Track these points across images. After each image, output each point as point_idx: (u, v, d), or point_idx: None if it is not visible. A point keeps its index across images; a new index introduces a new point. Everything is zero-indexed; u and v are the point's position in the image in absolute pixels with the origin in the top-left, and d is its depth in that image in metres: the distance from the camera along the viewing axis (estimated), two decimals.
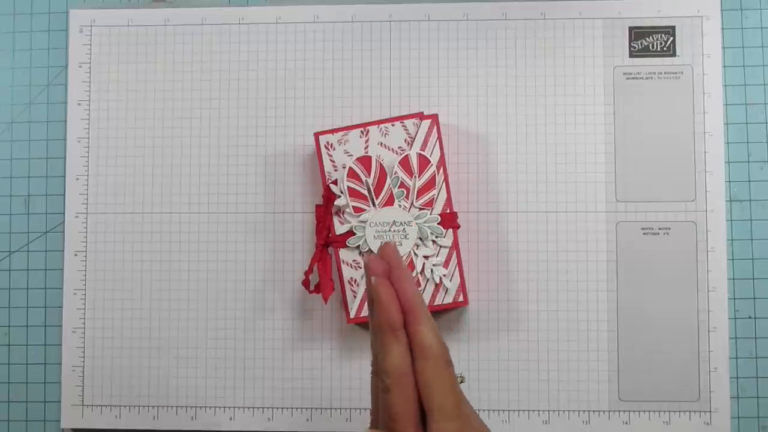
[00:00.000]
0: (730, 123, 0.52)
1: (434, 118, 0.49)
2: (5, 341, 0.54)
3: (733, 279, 0.51)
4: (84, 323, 0.53)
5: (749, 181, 0.52)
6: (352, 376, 0.52)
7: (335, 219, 0.49)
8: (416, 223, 0.48)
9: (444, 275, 0.48)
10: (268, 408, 0.52)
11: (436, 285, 0.48)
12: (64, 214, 0.53)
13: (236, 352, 0.52)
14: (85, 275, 0.53)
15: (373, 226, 0.48)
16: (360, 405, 0.51)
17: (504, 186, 0.52)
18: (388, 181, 0.49)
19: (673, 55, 0.52)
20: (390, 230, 0.48)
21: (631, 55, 0.52)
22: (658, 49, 0.52)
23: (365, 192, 0.49)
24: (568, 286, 0.51)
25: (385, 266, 0.35)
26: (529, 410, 0.51)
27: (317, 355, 0.52)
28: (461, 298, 0.49)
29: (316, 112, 0.53)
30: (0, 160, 0.54)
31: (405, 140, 0.49)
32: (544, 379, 0.51)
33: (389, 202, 0.49)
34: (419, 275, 0.48)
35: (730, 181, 0.52)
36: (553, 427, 0.50)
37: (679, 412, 0.50)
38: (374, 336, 0.35)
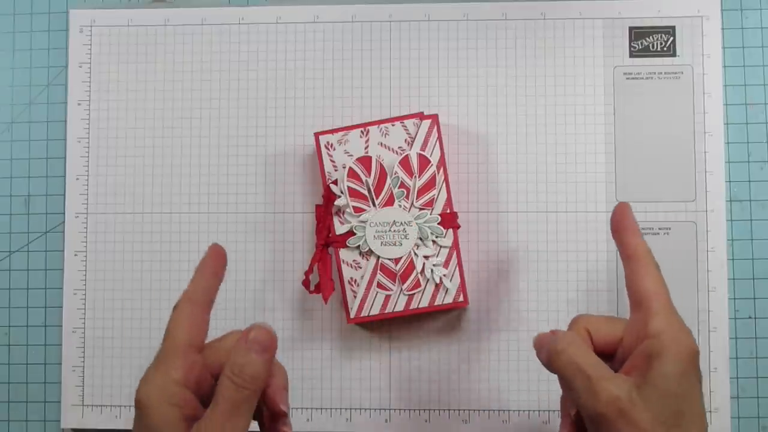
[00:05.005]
0: (730, 123, 0.52)
1: (434, 118, 0.49)
2: (5, 341, 0.54)
3: (733, 279, 0.51)
4: (84, 323, 0.53)
5: (749, 181, 0.52)
6: (352, 376, 0.52)
7: (335, 219, 0.49)
8: (416, 223, 0.48)
9: (444, 275, 0.48)
10: None
11: (436, 285, 0.48)
12: (64, 214, 0.53)
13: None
14: (85, 275, 0.53)
15: (373, 226, 0.48)
16: (360, 405, 0.51)
17: (504, 186, 0.52)
18: (388, 181, 0.49)
19: (673, 55, 0.52)
20: (390, 230, 0.48)
21: (631, 55, 0.52)
22: (658, 49, 0.52)
23: (365, 192, 0.49)
24: (568, 286, 0.51)
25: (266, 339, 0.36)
26: (529, 410, 0.51)
27: (317, 355, 0.52)
28: (461, 298, 0.49)
29: (316, 112, 0.53)
30: (0, 160, 0.54)
31: (405, 140, 0.49)
32: (544, 379, 0.51)
33: (389, 202, 0.49)
34: (419, 275, 0.48)
35: (730, 181, 0.52)
36: (552, 427, 0.50)
37: None
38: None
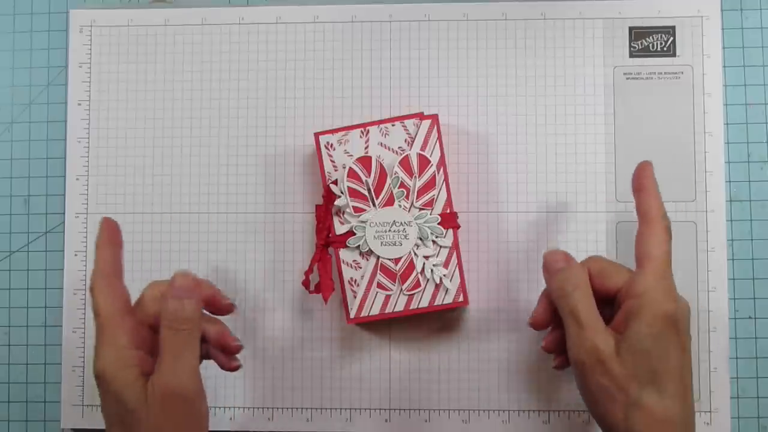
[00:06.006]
0: (730, 123, 0.52)
1: (434, 118, 0.49)
2: (5, 341, 0.54)
3: (733, 279, 0.51)
4: (84, 323, 0.52)
5: (749, 181, 0.52)
6: (352, 376, 0.52)
7: (335, 219, 0.49)
8: (416, 223, 0.48)
9: (444, 275, 0.48)
10: (268, 408, 0.52)
11: (436, 285, 0.48)
12: (64, 214, 0.53)
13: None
14: (85, 275, 0.53)
15: (373, 226, 0.48)
16: (360, 405, 0.51)
17: (504, 186, 0.52)
18: (389, 181, 0.49)
19: (673, 55, 0.52)
20: (390, 230, 0.48)
21: (631, 55, 0.52)
22: (658, 49, 0.52)
23: (365, 192, 0.49)
24: None
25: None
26: (528, 410, 0.51)
27: (317, 355, 0.52)
28: (461, 298, 0.49)
29: (316, 112, 0.53)
30: (0, 160, 0.54)
31: (405, 140, 0.49)
32: (544, 379, 0.51)
33: (389, 202, 0.49)
34: (419, 275, 0.48)
35: (730, 181, 0.52)
36: (553, 427, 0.50)
37: None
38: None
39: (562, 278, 0.41)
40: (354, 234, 0.49)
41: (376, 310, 0.49)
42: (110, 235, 0.42)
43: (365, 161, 0.49)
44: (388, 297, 0.49)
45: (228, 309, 0.44)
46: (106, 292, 0.40)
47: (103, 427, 0.52)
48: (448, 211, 0.49)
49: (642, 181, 0.43)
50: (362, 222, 0.49)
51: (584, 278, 0.41)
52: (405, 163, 0.49)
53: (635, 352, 0.38)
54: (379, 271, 0.49)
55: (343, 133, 0.49)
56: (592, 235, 0.51)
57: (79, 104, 0.54)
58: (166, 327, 0.40)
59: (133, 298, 0.43)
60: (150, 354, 0.41)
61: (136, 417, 0.38)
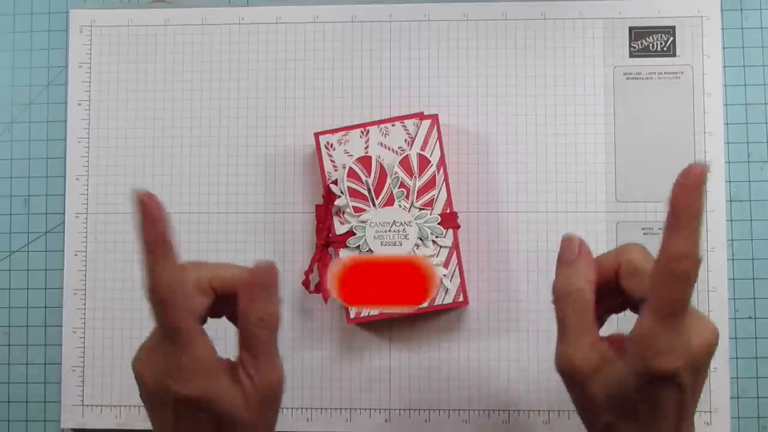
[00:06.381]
0: (730, 123, 0.52)
1: (434, 118, 0.49)
2: (5, 341, 0.54)
3: (733, 279, 0.51)
4: (84, 323, 0.52)
5: (749, 181, 0.52)
6: (352, 376, 0.52)
7: (335, 219, 0.49)
8: (416, 224, 0.48)
9: (444, 275, 0.48)
10: None
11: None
12: (64, 214, 0.53)
13: (236, 352, 0.52)
14: (85, 275, 0.53)
15: (373, 226, 0.48)
16: (360, 405, 0.51)
17: (504, 186, 0.52)
18: (389, 181, 0.49)
19: (673, 55, 0.52)
20: (390, 230, 0.48)
21: (631, 55, 0.52)
22: (658, 49, 0.52)
23: (365, 192, 0.49)
24: None
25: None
26: (529, 410, 0.51)
27: (317, 355, 0.52)
28: (461, 298, 0.49)
29: (316, 112, 0.53)
30: (0, 160, 0.54)
31: (405, 140, 0.49)
32: (544, 379, 0.51)
33: (389, 202, 0.49)
34: None
35: (730, 181, 0.52)
36: (552, 427, 0.50)
37: None
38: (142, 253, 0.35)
39: (562, 277, 0.36)
40: (354, 234, 0.49)
41: (376, 310, 0.49)
42: (162, 226, 0.35)
43: (365, 161, 0.49)
44: None
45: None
46: (180, 302, 0.34)
47: (102, 426, 0.52)
48: (448, 211, 0.49)
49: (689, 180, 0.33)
50: (362, 222, 0.49)
51: (583, 282, 0.35)
52: (405, 163, 0.49)
53: (615, 385, 0.33)
54: None
55: (343, 133, 0.49)
56: (592, 235, 0.51)
57: (79, 104, 0.54)
58: (261, 327, 0.35)
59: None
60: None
61: (239, 428, 0.35)
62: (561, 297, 0.36)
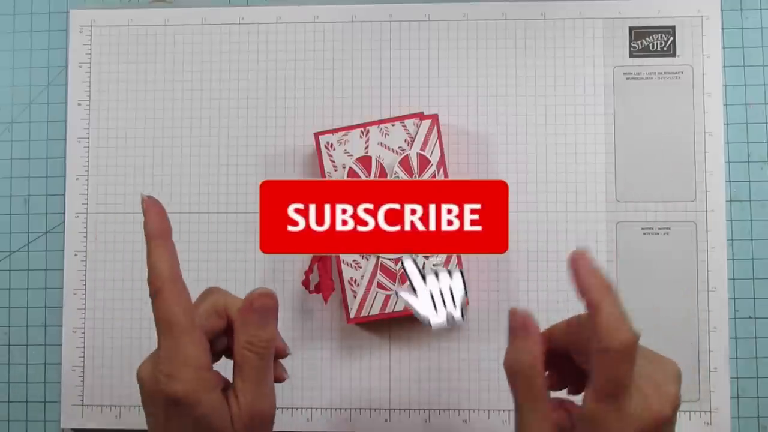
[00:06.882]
0: (730, 123, 0.52)
1: (434, 118, 0.49)
2: (5, 341, 0.54)
3: (733, 279, 0.51)
4: (84, 323, 0.52)
5: (749, 181, 0.52)
6: (352, 376, 0.52)
7: None
8: None
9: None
10: None
11: None
12: (64, 214, 0.53)
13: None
14: (85, 275, 0.53)
15: None
16: (360, 405, 0.51)
17: None
18: None
19: (673, 55, 0.52)
20: None
21: (631, 55, 0.52)
22: (658, 49, 0.52)
23: None
24: (568, 286, 0.51)
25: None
26: None
27: (317, 355, 0.52)
28: None
29: (316, 112, 0.53)
30: (0, 160, 0.54)
31: (405, 140, 0.49)
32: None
33: None
34: None
35: (730, 181, 0.52)
36: None
37: (680, 411, 0.50)
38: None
39: (510, 353, 0.36)
40: None
41: (376, 310, 0.49)
42: (164, 227, 0.37)
43: (365, 161, 0.49)
44: (388, 297, 0.49)
45: (283, 352, 0.40)
46: (177, 301, 0.35)
47: (102, 427, 0.52)
48: None
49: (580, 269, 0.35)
50: None
51: (530, 359, 0.35)
52: (405, 163, 0.49)
53: None
54: (379, 271, 0.49)
55: (343, 133, 0.49)
56: (592, 235, 0.51)
57: (79, 104, 0.54)
58: (248, 350, 0.36)
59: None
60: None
61: None
62: (510, 375, 0.35)
